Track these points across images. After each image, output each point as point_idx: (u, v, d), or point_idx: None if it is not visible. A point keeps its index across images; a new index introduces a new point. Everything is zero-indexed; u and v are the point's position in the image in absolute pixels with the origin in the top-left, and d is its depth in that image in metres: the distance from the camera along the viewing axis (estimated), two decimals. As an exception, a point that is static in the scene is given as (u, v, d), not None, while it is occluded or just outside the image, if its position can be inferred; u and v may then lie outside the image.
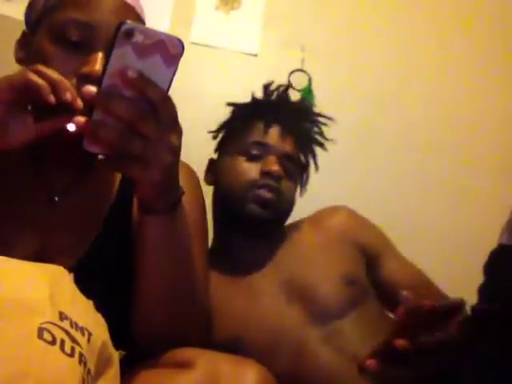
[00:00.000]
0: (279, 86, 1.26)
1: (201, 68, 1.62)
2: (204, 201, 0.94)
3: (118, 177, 0.86)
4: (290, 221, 1.22)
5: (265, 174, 1.11)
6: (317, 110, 1.34)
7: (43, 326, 0.51)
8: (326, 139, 1.26)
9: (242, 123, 1.20)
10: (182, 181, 0.69)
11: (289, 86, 1.26)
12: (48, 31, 0.76)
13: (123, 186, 0.85)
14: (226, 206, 1.14)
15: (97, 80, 0.62)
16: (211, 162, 1.24)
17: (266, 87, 1.26)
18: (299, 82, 1.58)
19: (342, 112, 1.59)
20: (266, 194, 1.09)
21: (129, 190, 0.83)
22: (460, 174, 1.56)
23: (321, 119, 1.28)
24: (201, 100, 1.59)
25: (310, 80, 1.58)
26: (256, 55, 1.62)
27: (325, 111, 1.56)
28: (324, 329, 1.03)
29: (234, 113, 1.24)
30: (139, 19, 0.82)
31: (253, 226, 1.12)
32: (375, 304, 1.11)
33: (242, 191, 1.10)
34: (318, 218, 1.22)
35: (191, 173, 0.93)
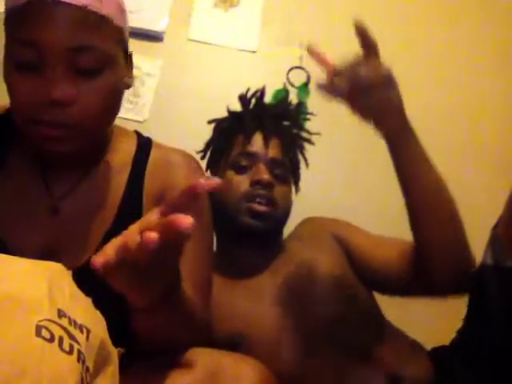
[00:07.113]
0: (254, 94, 1.26)
1: (199, 65, 1.61)
2: (210, 213, 0.92)
3: (124, 178, 0.86)
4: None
5: (255, 183, 1.11)
6: (304, 107, 1.33)
7: (41, 323, 0.50)
8: (310, 133, 1.29)
9: (225, 138, 1.22)
10: None
11: (263, 91, 1.26)
12: (7, 55, 0.72)
13: (130, 188, 0.85)
14: (221, 220, 1.11)
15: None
16: None
17: (242, 98, 1.26)
18: (298, 79, 1.58)
19: (340, 109, 1.59)
20: (258, 206, 1.09)
21: (137, 192, 0.83)
22: (460, 171, 1.56)
23: (302, 115, 1.30)
24: (199, 97, 1.59)
25: (308, 77, 1.58)
26: (255, 52, 1.62)
27: (323, 109, 1.56)
28: (325, 329, 1.03)
29: (215, 129, 1.26)
30: (100, 20, 0.72)
31: (249, 237, 1.12)
32: (369, 298, 1.12)
33: (234, 205, 1.11)
34: (298, 232, 1.24)
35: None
